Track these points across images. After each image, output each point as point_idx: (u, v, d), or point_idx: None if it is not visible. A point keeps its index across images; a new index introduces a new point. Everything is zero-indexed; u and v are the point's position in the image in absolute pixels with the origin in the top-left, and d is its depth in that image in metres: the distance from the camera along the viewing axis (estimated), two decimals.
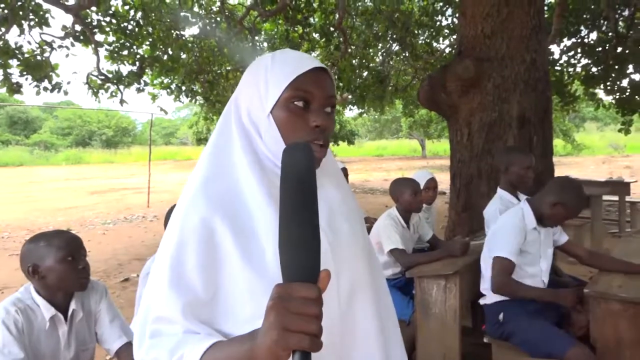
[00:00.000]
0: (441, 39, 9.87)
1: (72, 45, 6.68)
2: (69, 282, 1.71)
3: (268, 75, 0.89)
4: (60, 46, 6.60)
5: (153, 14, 7.51)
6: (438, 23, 9.48)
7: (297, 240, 0.63)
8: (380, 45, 10.09)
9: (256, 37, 8.65)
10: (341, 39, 8.62)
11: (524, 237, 2.43)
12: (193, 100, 9.95)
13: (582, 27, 8.15)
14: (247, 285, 0.81)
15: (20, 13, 5.84)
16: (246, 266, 0.82)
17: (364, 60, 10.17)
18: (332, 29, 8.55)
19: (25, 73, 6.26)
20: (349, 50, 9.07)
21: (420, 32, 9.67)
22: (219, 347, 0.74)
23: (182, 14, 7.84)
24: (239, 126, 0.93)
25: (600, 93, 8.70)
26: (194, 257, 0.83)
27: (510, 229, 2.44)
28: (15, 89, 6.18)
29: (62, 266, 1.68)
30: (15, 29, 5.88)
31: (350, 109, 15.34)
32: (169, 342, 0.79)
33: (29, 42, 6.44)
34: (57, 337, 1.73)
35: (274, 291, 0.62)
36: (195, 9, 8.15)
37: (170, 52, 8.02)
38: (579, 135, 29.89)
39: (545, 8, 8.14)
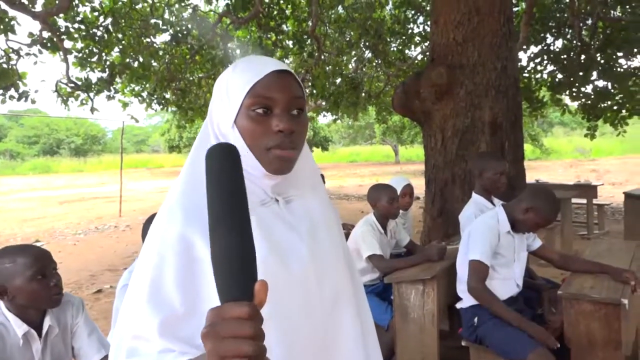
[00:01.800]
0: (413, 46, 10.02)
1: (40, 52, 6.52)
2: (41, 301, 1.65)
3: (229, 86, 0.89)
4: (27, 54, 6.42)
5: (123, 20, 7.40)
6: (410, 31, 9.63)
7: (224, 255, 0.58)
8: (353, 52, 10.17)
9: (229, 45, 8.60)
10: (315, 46, 8.66)
11: (497, 239, 2.49)
12: (165, 109, 9.82)
13: (547, 35, 8.39)
14: None
15: None
16: None
17: (337, 67, 10.24)
18: (305, 36, 8.58)
19: None
20: (323, 57, 9.12)
21: (392, 39, 9.79)
22: None
23: (152, 20, 7.75)
24: (214, 137, 0.92)
25: (566, 99, 8.96)
26: (173, 273, 0.81)
27: (483, 230, 2.49)
28: None
29: (32, 285, 1.60)
30: None
31: (324, 116, 15.38)
32: None
33: None
34: (31, 354, 1.67)
35: (207, 317, 0.59)
36: (167, 15, 8.06)
37: (141, 59, 7.91)
38: (547, 140, 30.66)
39: (513, 16, 8.37)
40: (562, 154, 31.21)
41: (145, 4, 7.80)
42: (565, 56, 8.31)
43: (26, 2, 5.82)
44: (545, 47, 8.53)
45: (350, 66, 10.91)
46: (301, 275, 0.88)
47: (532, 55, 8.69)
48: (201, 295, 0.82)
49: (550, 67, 8.69)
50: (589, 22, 7.68)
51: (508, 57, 4.11)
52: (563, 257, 2.67)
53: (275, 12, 8.11)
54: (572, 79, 8.14)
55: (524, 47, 7.99)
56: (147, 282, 0.81)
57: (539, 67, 8.79)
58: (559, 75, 8.53)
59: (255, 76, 0.86)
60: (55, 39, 6.47)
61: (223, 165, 0.62)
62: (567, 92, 8.38)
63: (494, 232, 2.48)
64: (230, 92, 0.88)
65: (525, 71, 8.78)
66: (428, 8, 7.91)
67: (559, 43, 8.54)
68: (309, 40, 8.71)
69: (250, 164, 0.88)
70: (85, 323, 1.81)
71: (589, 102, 8.19)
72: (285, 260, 0.87)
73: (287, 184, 0.93)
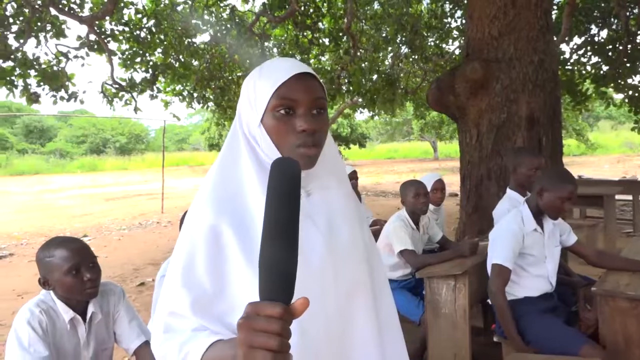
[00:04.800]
0: (450, 40, 9.88)
1: (87, 55, 6.82)
2: (75, 293, 1.76)
3: (256, 87, 0.95)
4: (75, 56, 6.74)
5: (165, 22, 7.63)
6: (447, 25, 9.49)
7: (271, 260, 0.66)
8: (389, 48, 10.11)
9: (266, 43, 8.73)
10: (350, 43, 8.67)
11: (522, 241, 2.45)
12: (205, 107, 10.06)
13: (592, 26, 8.11)
14: (250, 287, 0.86)
15: (39, 24, 5.99)
16: (250, 269, 0.88)
17: (373, 64, 10.20)
18: (341, 33, 8.60)
19: (42, 83, 6.41)
20: (359, 54, 9.12)
21: (429, 34, 9.69)
22: (217, 347, 0.82)
23: (193, 21, 7.96)
24: (242, 135, 0.99)
25: (611, 91, 8.65)
26: (203, 259, 0.90)
27: (505, 234, 2.47)
28: (34, 98, 6.33)
29: (67, 279, 1.71)
30: (32, 41, 6.03)
31: (361, 112, 15.36)
32: (179, 338, 0.87)
33: (46, 53, 6.60)
34: (77, 337, 1.80)
35: (245, 310, 0.67)
36: (206, 16, 8.26)
37: (182, 59, 8.14)
38: (592, 135, 29.57)
39: (555, 7, 8.14)
40: (609, 149, 30.05)
41: (186, 6, 8.02)
42: (610, 47, 8.02)
43: (75, 7, 6.12)
44: (589, 38, 8.26)
45: (386, 62, 10.85)
46: (318, 266, 0.93)
47: (575, 46, 8.42)
48: (227, 280, 0.90)
49: (594, 59, 8.41)
50: (636, 10, 7.38)
51: (545, 51, 4.03)
52: (598, 254, 2.61)
53: (311, 10, 8.16)
54: (618, 70, 7.86)
55: (567, 38, 7.75)
56: (180, 267, 0.91)
57: (582, 59, 8.51)
58: (604, 67, 8.24)
59: (279, 79, 0.92)
60: (100, 42, 6.75)
61: (288, 182, 0.70)
62: (612, 85, 8.08)
63: (517, 236, 2.44)
64: (257, 94, 0.95)
65: (568, 63, 8.52)
66: (466, 1, 7.81)
67: (603, 33, 8.25)
68: (344, 37, 8.72)
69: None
70: (126, 310, 1.92)
71: (637, 94, 7.88)
72: (302, 251, 0.92)
73: (309, 178, 0.98)
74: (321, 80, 0.98)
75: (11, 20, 5.78)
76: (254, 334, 0.65)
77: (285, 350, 0.65)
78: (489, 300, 2.66)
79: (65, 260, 1.71)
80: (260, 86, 0.94)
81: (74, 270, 1.72)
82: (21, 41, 5.78)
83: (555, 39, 6.21)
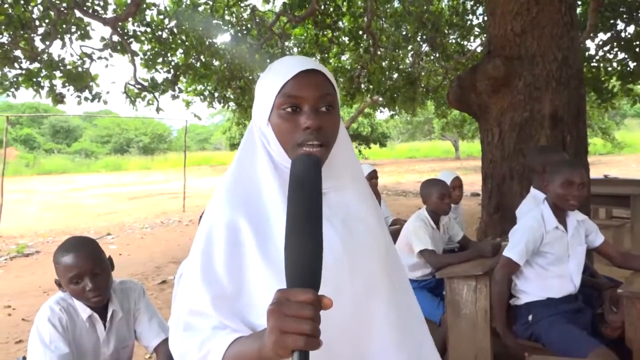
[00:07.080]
0: (472, 38, 9.76)
1: (111, 56, 6.94)
2: (81, 299, 1.77)
3: (263, 87, 0.96)
4: (99, 57, 6.86)
5: (186, 22, 7.71)
6: (469, 22, 9.38)
7: (298, 250, 0.67)
8: (410, 46, 10.04)
9: (286, 43, 8.75)
10: (370, 42, 8.64)
11: (541, 239, 2.40)
12: (225, 106, 10.14)
13: (618, 21, 7.92)
14: (267, 283, 0.88)
15: (64, 26, 6.12)
16: (265, 266, 0.88)
17: (393, 62, 10.14)
18: (361, 32, 8.57)
19: (67, 84, 6.54)
20: (379, 52, 9.07)
21: (450, 32, 9.59)
22: (239, 343, 0.82)
23: (214, 21, 8.02)
24: (256, 134, 1.00)
25: (638, 88, 8.43)
26: (222, 255, 0.90)
27: (522, 230, 2.44)
28: (59, 99, 6.47)
29: (70, 287, 1.74)
30: (58, 43, 6.17)
31: (382, 112, 15.29)
32: (199, 337, 0.87)
33: (71, 55, 6.75)
34: (97, 335, 1.83)
35: (275, 296, 0.68)
36: (227, 16, 8.32)
37: (203, 59, 8.22)
38: (619, 133, 28.86)
39: (580, 3, 7.97)
40: (637, 148, 29.30)
41: (207, 6, 8.09)
42: (637, 43, 7.83)
43: (99, 9, 6.23)
44: (615, 34, 8.06)
45: (407, 60, 10.77)
46: (334, 266, 0.92)
47: (600, 43, 8.24)
48: (245, 277, 0.91)
49: (620, 55, 8.21)
50: None
51: (570, 48, 3.94)
52: (624, 256, 2.54)
53: (331, 9, 8.16)
54: None
55: (592, 34, 7.59)
56: (199, 264, 0.91)
57: (608, 56, 8.32)
58: (631, 64, 8.04)
59: (284, 77, 0.92)
60: (123, 43, 6.85)
61: (306, 176, 0.73)
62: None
63: (535, 233, 2.39)
64: (264, 92, 0.95)
65: (594, 60, 8.34)
66: None
67: (630, 29, 8.04)
68: (364, 36, 8.69)
69: (283, 159, 0.95)
70: (146, 308, 1.94)
71: None
72: None
73: (325, 177, 0.97)
74: (341, 79, 0.98)
75: (37, 22, 5.91)
76: (286, 319, 0.65)
77: (317, 335, 0.65)
78: (511, 301, 2.62)
79: (68, 270, 1.72)
80: (267, 85, 0.95)
81: (75, 280, 1.72)
82: (47, 43, 5.91)
83: (580, 35, 6.07)
